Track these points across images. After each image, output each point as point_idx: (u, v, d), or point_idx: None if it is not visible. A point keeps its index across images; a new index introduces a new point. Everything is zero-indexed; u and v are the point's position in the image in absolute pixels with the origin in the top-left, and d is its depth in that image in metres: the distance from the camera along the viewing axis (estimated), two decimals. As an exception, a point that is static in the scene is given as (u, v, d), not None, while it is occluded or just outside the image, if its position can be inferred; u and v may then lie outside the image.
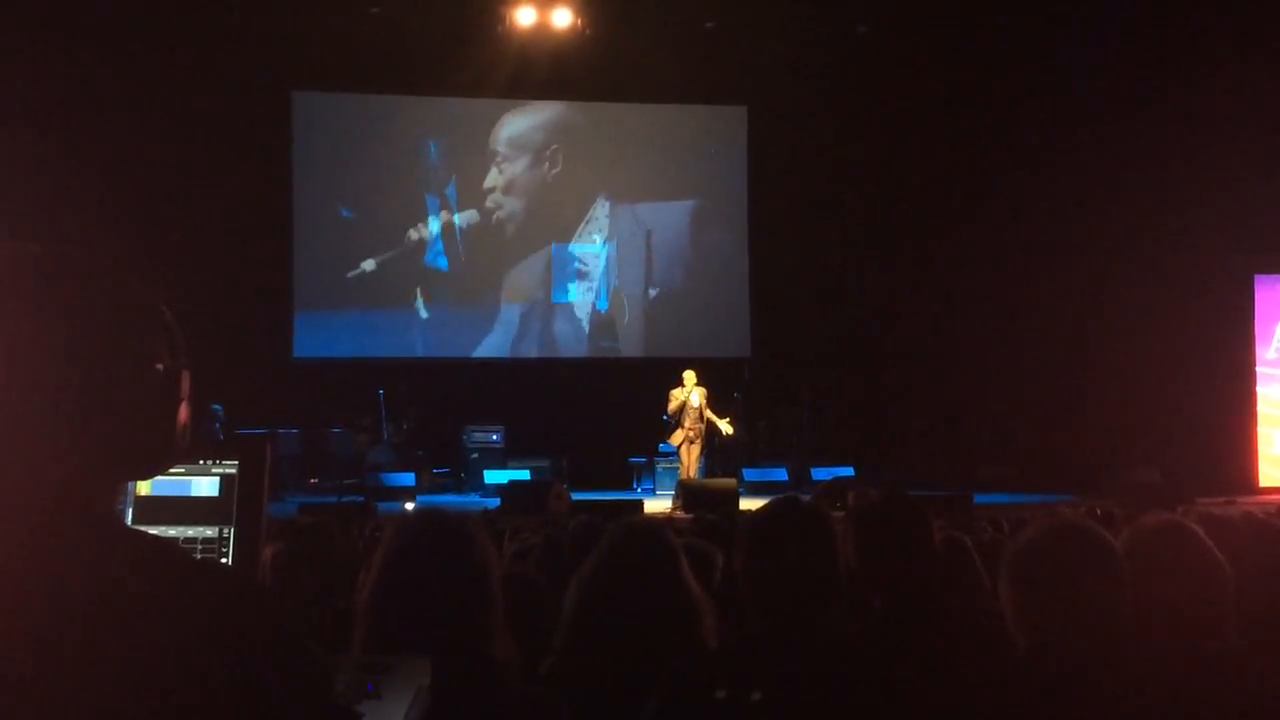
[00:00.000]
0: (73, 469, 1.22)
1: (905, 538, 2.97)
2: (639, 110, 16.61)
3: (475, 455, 14.96)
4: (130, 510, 1.99)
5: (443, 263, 16.20)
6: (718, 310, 16.65)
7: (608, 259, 16.51)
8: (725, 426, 13.93)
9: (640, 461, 15.01)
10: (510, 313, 16.28)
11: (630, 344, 16.48)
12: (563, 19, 14.67)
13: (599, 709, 2.57)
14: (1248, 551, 2.89)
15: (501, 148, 16.30)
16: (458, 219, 16.18)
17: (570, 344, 16.41)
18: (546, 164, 16.38)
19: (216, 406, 13.54)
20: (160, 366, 1.30)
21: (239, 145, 14.60)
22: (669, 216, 16.59)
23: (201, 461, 2.00)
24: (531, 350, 16.26)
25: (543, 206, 16.34)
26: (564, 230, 16.44)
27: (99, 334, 1.24)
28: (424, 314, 16.01)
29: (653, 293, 16.53)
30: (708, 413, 13.81)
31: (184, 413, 1.33)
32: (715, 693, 2.35)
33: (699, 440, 13.86)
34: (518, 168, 16.30)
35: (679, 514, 10.59)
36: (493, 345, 16.17)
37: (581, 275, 16.46)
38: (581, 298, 16.50)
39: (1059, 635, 2.34)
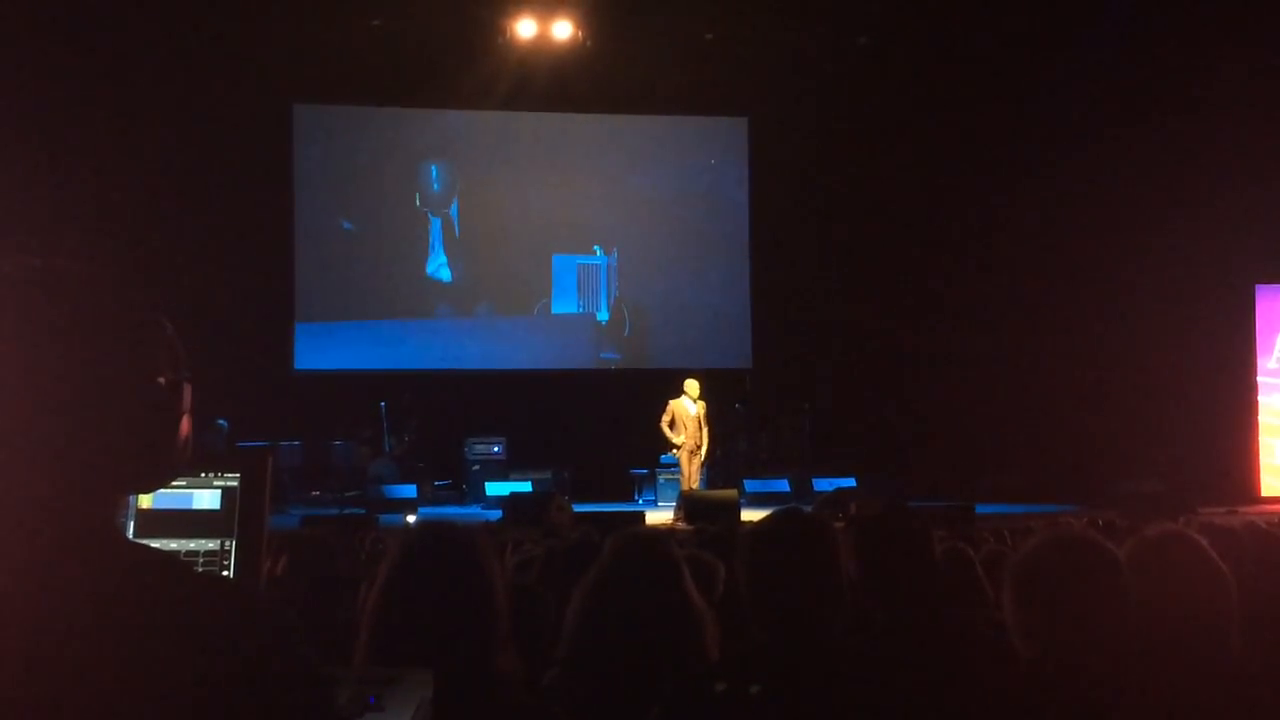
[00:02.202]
0: (74, 482, 1.22)
1: (905, 548, 2.97)
2: (652, 124, 16.66)
3: (477, 467, 14.95)
4: (132, 524, 1.99)
5: (445, 274, 16.21)
6: (719, 321, 16.64)
7: (608, 269, 16.50)
8: (701, 454, 13.84)
9: (642, 473, 14.98)
10: (511, 324, 16.27)
11: (631, 355, 16.47)
12: (563, 31, 14.69)
13: (602, 721, 2.56)
14: (1250, 561, 2.89)
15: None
16: (459, 231, 16.17)
17: (571, 355, 16.39)
18: (570, 176, 16.44)
19: (221, 421, 13.54)
20: (161, 380, 1.30)
21: (240, 158, 14.62)
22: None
23: (203, 474, 2.00)
24: (533, 362, 16.24)
25: (555, 217, 16.33)
26: (567, 242, 16.44)
27: (100, 348, 1.24)
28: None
29: (652, 311, 16.53)
30: (704, 424, 13.74)
31: (185, 426, 1.33)
32: (715, 686, 2.35)
33: (700, 451, 13.81)
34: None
35: (680, 525, 10.56)
36: (494, 357, 16.15)
37: (582, 286, 16.46)
38: (582, 309, 16.50)
39: (1062, 646, 2.33)
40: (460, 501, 14.85)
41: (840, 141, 15.61)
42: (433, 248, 16.21)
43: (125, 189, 13.61)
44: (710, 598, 3.26)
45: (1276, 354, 14.78)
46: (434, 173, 16.23)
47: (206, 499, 2.00)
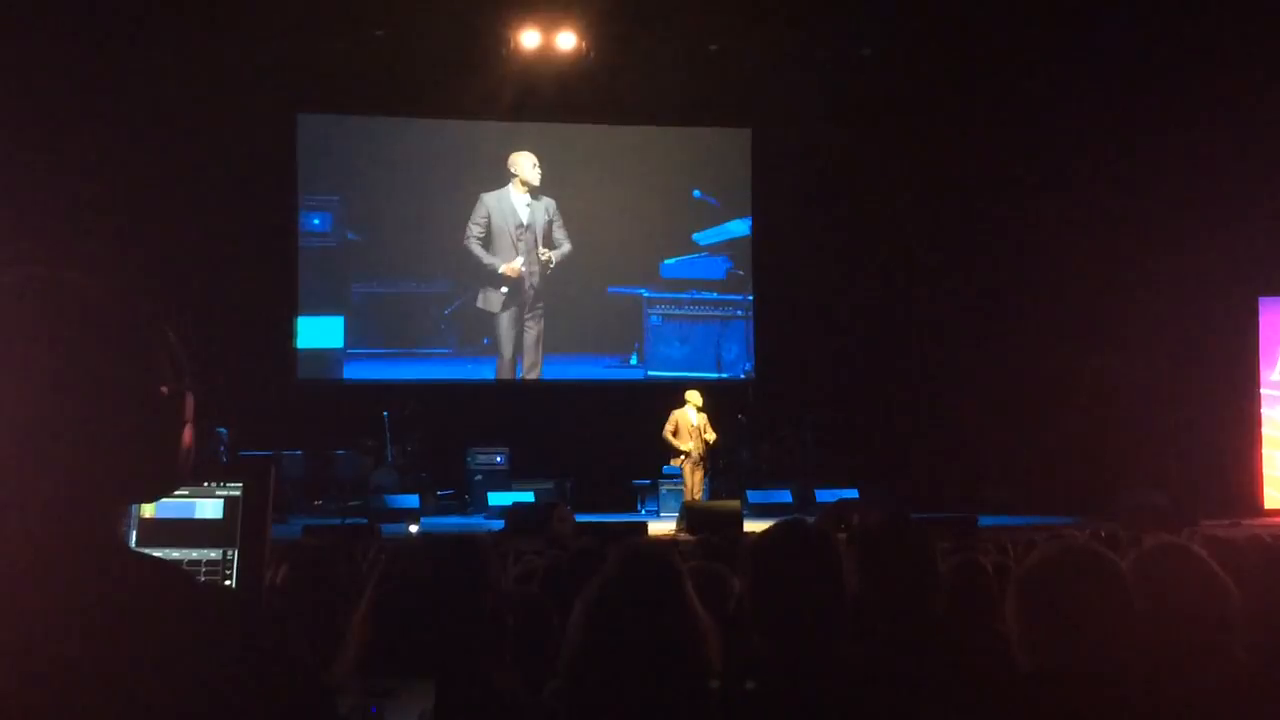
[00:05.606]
0: (77, 492, 1.23)
1: (908, 560, 2.97)
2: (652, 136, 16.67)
3: (479, 477, 14.94)
4: (134, 533, 1.99)
5: (449, 283, 16.18)
6: (722, 332, 16.64)
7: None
8: (710, 435, 13.75)
9: (644, 484, 14.98)
10: (514, 334, 16.23)
11: (634, 366, 16.47)
12: (567, 42, 14.71)
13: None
14: (1253, 573, 2.89)
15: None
16: (463, 240, 16.12)
17: (574, 366, 16.37)
18: (573, 187, 16.42)
19: (222, 430, 13.54)
20: (164, 390, 1.30)
21: (245, 167, 14.63)
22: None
23: (206, 484, 2.00)
24: (535, 372, 16.23)
25: (558, 227, 16.32)
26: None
27: (103, 358, 1.25)
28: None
29: (655, 319, 16.51)
30: (706, 432, 13.71)
31: (188, 436, 1.34)
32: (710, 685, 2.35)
33: (703, 462, 13.81)
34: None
35: (683, 536, 10.56)
36: (496, 367, 16.14)
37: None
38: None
39: (1066, 658, 2.33)
40: (463, 512, 14.84)
41: (844, 153, 15.59)
42: (437, 257, 16.19)
43: (130, 199, 13.63)
44: (723, 611, 3.25)
45: (1280, 366, 14.77)
46: (438, 182, 16.21)
47: (209, 508, 2.00)
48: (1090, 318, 14.66)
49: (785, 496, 14.72)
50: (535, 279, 16.16)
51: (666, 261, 16.62)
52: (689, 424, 13.64)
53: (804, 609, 2.51)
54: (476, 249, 15.97)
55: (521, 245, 16.11)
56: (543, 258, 16.06)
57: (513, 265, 15.98)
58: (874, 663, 2.71)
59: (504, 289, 16.01)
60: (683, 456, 13.63)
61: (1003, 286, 15.23)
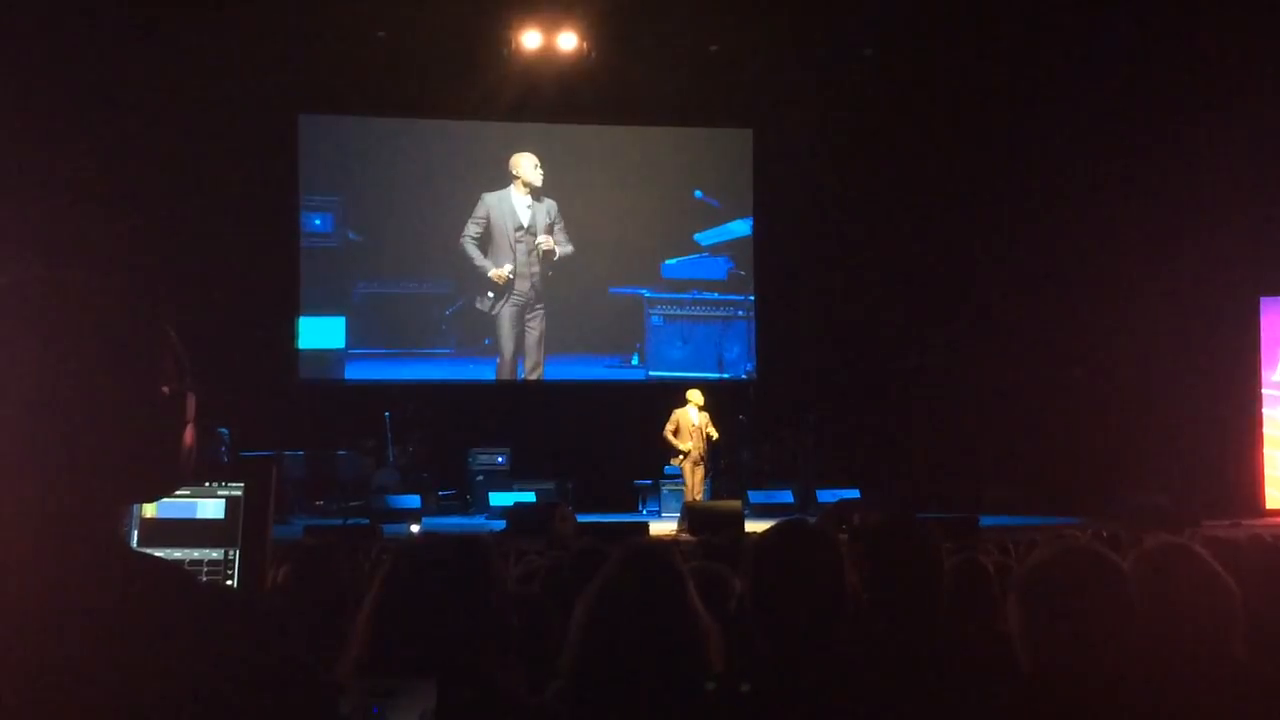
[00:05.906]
0: (79, 492, 1.23)
1: (910, 560, 2.96)
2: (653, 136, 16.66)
3: (480, 478, 14.94)
4: (136, 533, 1.99)
5: (450, 283, 16.18)
6: (723, 332, 16.65)
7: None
8: (712, 431, 13.75)
9: (646, 484, 14.98)
10: (515, 334, 16.22)
11: (635, 366, 16.47)
12: (568, 42, 14.71)
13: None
14: (1254, 573, 2.89)
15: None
16: (463, 240, 16.11)
17: (575, 366, 16.37)
18: (574, 188, 16.39)
19: (222, 430, 13.54)
20: (166, 390, 1.30)
21: (246, 167, 14.62)
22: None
23: (207, 484, 2.00)
24: (537, 373, 16.22)
25: (558, 229, 16.31)
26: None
27: (104, 358, 1.25)
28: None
29: (656, 320, 16.51)
30: (708, 429, 13.71)
31: (189, 436, 1.34)
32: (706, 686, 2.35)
33: (704, 462, 13.81)
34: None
35: (685, 536, 10.56)
36: (498, 368, 16.13)
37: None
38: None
39: (1067, 658, 2.33)
40: (464, 512, 14.83)
41: (845, 153, 15.62)
42: (438, 257, 16.19)
43: (130, 199, 13.63)
44: (724, 610, 3.25)
45: (1281, 366, 14.75)
46: (439, 183, 16.20)
47: (210, 508, 2.00)
48: (1091, 318, 14.66)
49: (786, 497, 14.71)
50: (536, 279, 16.15)
51: (668, 262, 16.62)
52: (690, 423, 13.65)
53: (805, 609, 2.51)
54: (470, 249, 15.97)
55: (520, 248, 16.09)
56: (544, 246, 16.04)
57: (500, 271, 15.95)
58: (874, 663, 2.71)
59: (490, 294, 16.00)
60: (681, 456, 13.66)
61: (1003, 286, 15.23)
